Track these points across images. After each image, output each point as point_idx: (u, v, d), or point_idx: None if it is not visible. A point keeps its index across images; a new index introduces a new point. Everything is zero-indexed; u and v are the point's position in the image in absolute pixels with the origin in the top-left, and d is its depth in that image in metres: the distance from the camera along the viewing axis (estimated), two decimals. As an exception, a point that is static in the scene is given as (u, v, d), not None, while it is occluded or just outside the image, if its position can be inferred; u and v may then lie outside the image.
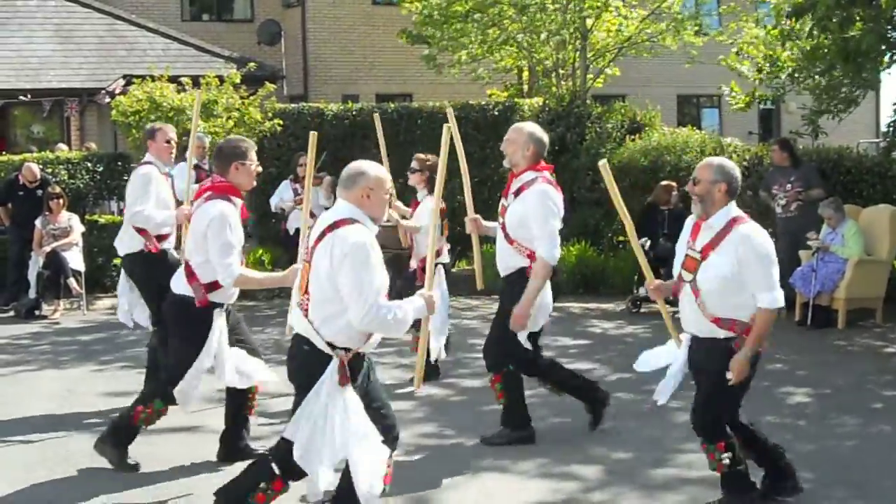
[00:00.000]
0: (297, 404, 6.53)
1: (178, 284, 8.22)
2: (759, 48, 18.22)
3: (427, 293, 6.73)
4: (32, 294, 16.43)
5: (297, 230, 15.47)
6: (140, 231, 10.02)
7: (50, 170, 18.19)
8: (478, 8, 22.18)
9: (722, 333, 7.06)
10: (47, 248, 16.30)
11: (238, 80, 19.13)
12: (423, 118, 20.51)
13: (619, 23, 22.74)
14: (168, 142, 10.37)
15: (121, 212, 20.68)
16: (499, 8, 21.98)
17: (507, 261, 8.95)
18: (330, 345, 6.35)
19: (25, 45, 27.16)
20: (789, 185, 15.16)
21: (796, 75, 16.94)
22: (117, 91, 23.89)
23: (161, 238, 10.12)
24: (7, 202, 17.21)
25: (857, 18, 14.83)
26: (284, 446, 6.50)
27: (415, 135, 20.35)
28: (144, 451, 8.54)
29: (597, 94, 24.93)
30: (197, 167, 15.46)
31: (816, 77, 16.45)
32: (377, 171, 6.52)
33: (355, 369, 6.49)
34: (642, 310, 15.54)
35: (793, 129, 17.93)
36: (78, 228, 16.85)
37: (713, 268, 6.94)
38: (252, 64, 23.29)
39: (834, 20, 14.87)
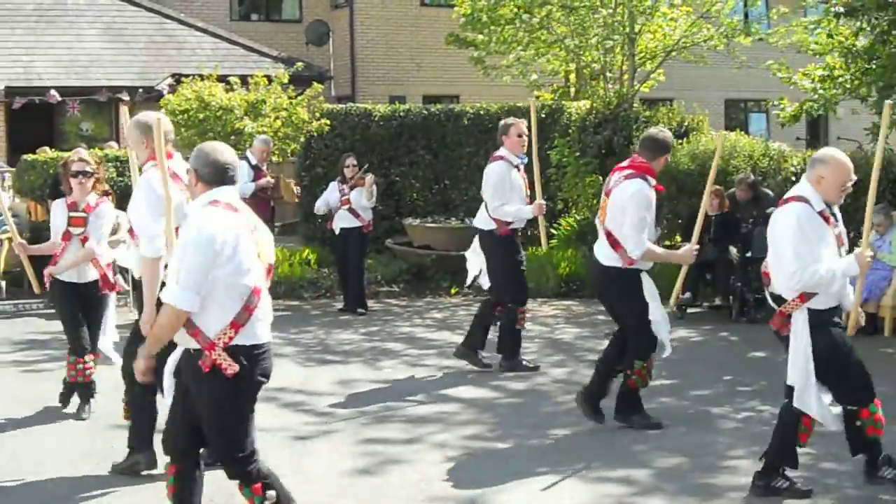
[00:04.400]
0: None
1: (603, 255, 9.39)
2: (827, 51, 17.81)
3: (864, 252, 7.43)
4: (78, 291, 16.48)
5: (343, 229, 15.58)
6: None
7: (99, 167, 18.28)
8: (526, 9, 22.14)
9: None
10: (94, 245, 16.33)
11: (286, 80, 19.18)
12: (470, 119, 20.53)
13: (668, 26, 22.64)
14: None
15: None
16: (547, 10, 21.94)
17: (134, 253, 8.42)
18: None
19: (75, 43, 27.38)
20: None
21: (849, 87, 16.72)
22: (166, 90, 24.01)
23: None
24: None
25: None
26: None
27: (462, 136, 20.40)
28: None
29: (644, 98, 24.80)
30: (256, 167, 15.67)
31: (870, 88, 16.19)
32: (839, 161, 7.42)
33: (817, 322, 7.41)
34: (688, 311, 15.47)
35: (841, 136, 17.75)
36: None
37: None
38: (300, 64, 23.38)
39: (885, 21, 14.73)
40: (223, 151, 6.24)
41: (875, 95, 16.09)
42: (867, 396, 7.53)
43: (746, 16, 25.42)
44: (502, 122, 12.15)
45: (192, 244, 5.93)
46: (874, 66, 15.66)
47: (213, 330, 6.00)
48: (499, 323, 11.95)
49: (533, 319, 14.81)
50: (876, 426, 7.54)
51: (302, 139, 19.47)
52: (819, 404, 7.44)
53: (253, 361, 6.08)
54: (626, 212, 9.12)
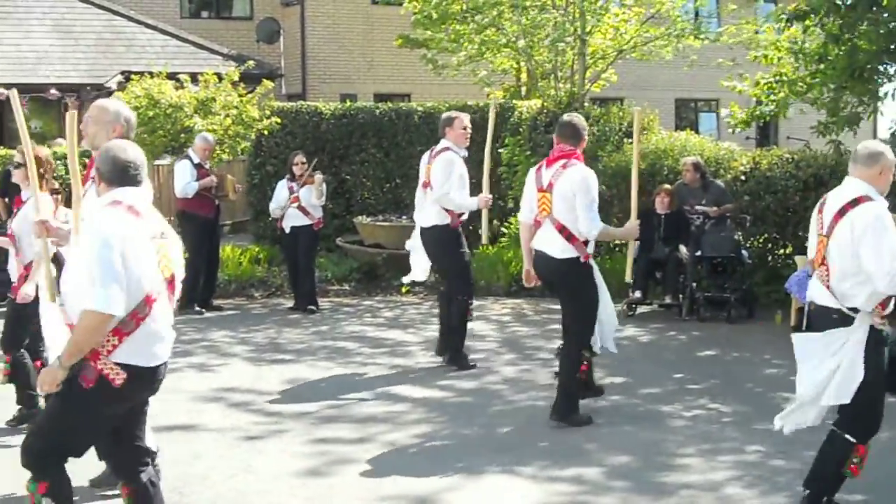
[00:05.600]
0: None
1: (556, 249, 9.40)
2: (777, 53, 17.79)
3: None
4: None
5: (293, 227, 15.51)
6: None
7: (47, 165, 18.11)
8: (476, 8, 22.13)
9: None
10: (43, 244, 16.19)
11: (236, 78, 19.10)
12: (421, 118, 20.52)
13: (620, 27, 22.69)
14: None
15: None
16: (498, 10, 21.94)
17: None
18: (853, 310, 6.92)
19: (23, 40, 27.13)
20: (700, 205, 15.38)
21: (800, 88, 16.73)
22: (115, 88, 23.86)
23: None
24: (4, 195, 17.16)
25: (861, 24, 14.73)
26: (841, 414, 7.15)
27: (413, 135, 20.38)
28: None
29: (595, 97, 24.89)
30: (199, 166, 15.51)
31: (822, 90, 16.23)
32: (891, 151, 7.12)
33: (877, 339, 6.98)
34: (638, 310, 15.49)
35: (790, 135, 17.81)
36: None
37: None
38: (250, 62, 23.22)
39: (834, 22, 14.81)
40: (125, 150, 6.05)
41: (827, 96, 16.15)
42: (872, 434, 7.16)
43: (697, 14, 25.48)
44: (446, 114, 12.19)
45: (93, 247, 5.65)
46: (824, 69, 15.71)
47: None
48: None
49: (483, 318, 14.81)
50: (859, 467, 7.10)
51: (252, 137, 19.40)
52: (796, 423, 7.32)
53: (135, 384, 5.82)
54: (577, 196, 9.25)
